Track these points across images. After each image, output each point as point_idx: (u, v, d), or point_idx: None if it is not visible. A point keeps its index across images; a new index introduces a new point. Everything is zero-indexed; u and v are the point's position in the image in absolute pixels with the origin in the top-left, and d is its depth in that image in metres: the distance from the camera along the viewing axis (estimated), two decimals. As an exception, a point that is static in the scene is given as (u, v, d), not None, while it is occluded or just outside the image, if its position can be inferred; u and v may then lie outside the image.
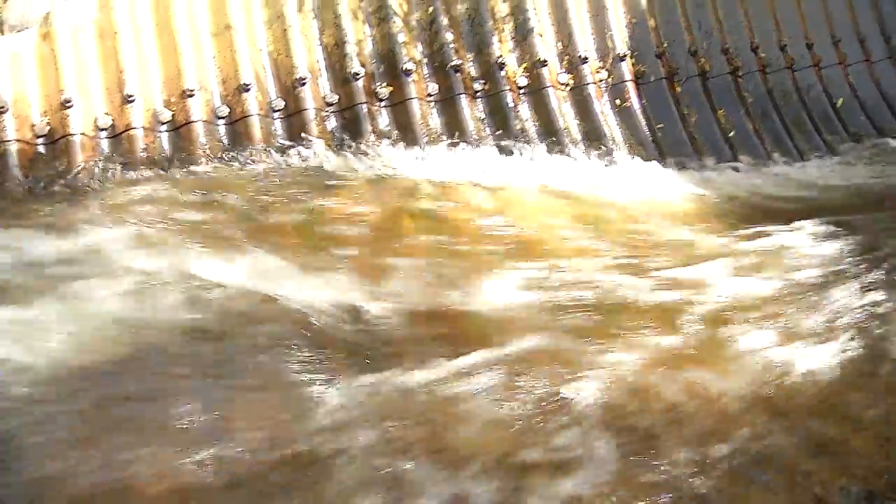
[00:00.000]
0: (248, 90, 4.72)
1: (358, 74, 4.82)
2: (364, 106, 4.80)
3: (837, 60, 6.57)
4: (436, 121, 4.90)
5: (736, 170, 5.43)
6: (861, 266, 4.33)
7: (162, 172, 4.55)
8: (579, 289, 3.86)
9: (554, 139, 5.00)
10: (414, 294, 3.71)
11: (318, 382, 3.16)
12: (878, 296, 4.04)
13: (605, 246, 4.29)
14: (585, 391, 3.18)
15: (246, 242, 4.01)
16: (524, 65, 5.10)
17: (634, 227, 4.57)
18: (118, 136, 4.55)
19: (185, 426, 2.89)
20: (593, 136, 5.13)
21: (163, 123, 4.62)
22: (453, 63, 4.96)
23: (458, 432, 2.93)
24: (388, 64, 4.93)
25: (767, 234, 4.60)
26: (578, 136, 5.09)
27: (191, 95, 4.65)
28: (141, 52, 4.67)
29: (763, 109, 5.95)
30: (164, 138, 4.63)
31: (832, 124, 6.24)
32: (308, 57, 4.87)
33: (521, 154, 4.86)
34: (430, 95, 4.91)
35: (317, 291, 3.64)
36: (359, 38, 4.90)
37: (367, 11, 4.95)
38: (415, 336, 3.45)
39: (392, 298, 3.65)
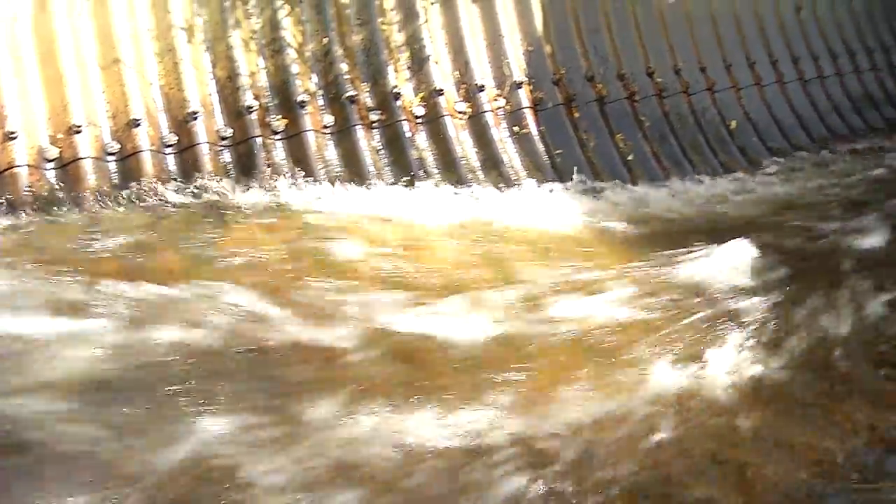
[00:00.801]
0: (138, 125, 4.67)
1: (252, 107, 4.83)
2: (259, 139, 4.80)
3: (730, 84, 6.89)
4: (332, 153, 4.94)
5: (635, 193, 5.61)
6: (751, 287, 4.55)
7: (49, 212, 4.46)
8: (483, 320, 3.94)
9: (452, 168, 5.08)
10: (308, 333, 3.72)
11: (206, 422, 3.15)
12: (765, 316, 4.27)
13: (506, 275, 4.38)
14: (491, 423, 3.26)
15: (137, 282, 3.95)
16: (421, 94, 5.19)
17: (534, 254, 4.68)
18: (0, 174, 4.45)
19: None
20: (492, 164, 5.24)
21: (49, 161, 4.53)
22: (349, 94, 5.02)
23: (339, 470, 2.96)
24: (283, 96, 4.95)
25: (666, 258, 4.78)
26: (477, 165, 5.20)
27: (78, 131, 4.57)
28: (23, 85, 4.57)
29: (660, 133, 6.19)
30: (51, 176, 4.54)
31: (727, 146, 6.53)
32: (200, 90, 4.86)
33: (419, 184, 4.92)
34: (325, 127, 4.95)
35: (208, 331, 3.62)
36: (252, 71, 4.91)
37: (260, 43, 4.97)
38: (308, 376, 3.47)
39: (286, 337, 3.66)
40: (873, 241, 5.30)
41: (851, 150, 6.96)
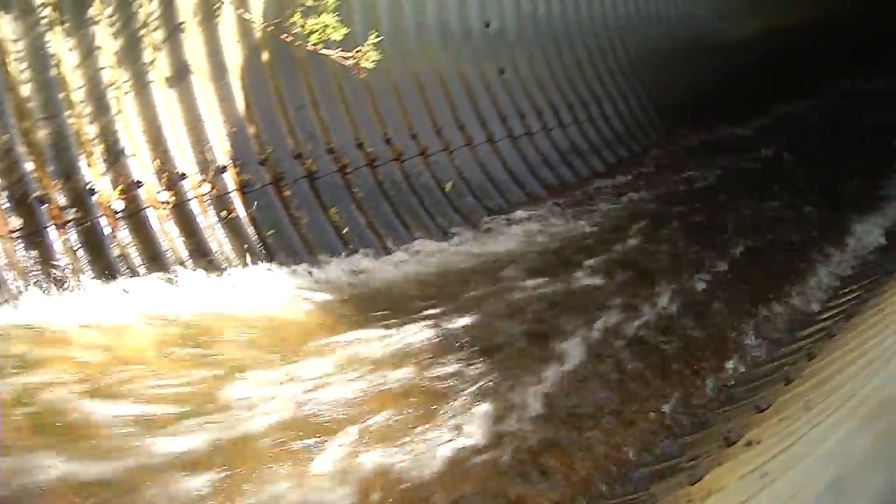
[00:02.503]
0: None
1: (-76, 216, 4.81)
2: (-66, 250, 4.78)
3: (442, 147, 7.66)
4: (23, 258, 4.99)
5: (351, 265, 6.11)
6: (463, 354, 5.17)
7: None
8: (189, 419, 4.21)
9: (158, 261, 5.32)
10: None
11: None
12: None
13: (215, 370, 4.68)
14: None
15: None
16: (119, 187, 5.39)
17: (248, 342, 5.02)
18: None
19: None
20: (201, 253, 5.54)
21: None
22: (38, 193, 5.12)
23: None
24: (-39, 201, 4.96)
25: (375, 329, 5.29)
26: (185, 255, 5.47)
27: None
28: None
29: (375, 202, 6.78)
30: None
31: (443, 207, 7.25)
32: None
33: (122, 282, 5.11)
34: (13, 231, 5.01)
35: None
36: (-79, 176, 4.89)
37: (-72, 145, 4.96)
38: None
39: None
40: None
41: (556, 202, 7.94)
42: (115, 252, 5.25)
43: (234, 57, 6.14)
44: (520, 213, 7.73)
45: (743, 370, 5.17)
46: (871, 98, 14.60)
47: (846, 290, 6.28)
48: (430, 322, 5.48)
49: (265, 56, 6.34)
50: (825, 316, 5.82)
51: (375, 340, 5.16)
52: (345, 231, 6.35)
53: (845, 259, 7.22)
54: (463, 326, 5.49)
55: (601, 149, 9.66)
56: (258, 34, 6.17)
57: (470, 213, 7.45)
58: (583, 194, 8.56)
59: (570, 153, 9.12)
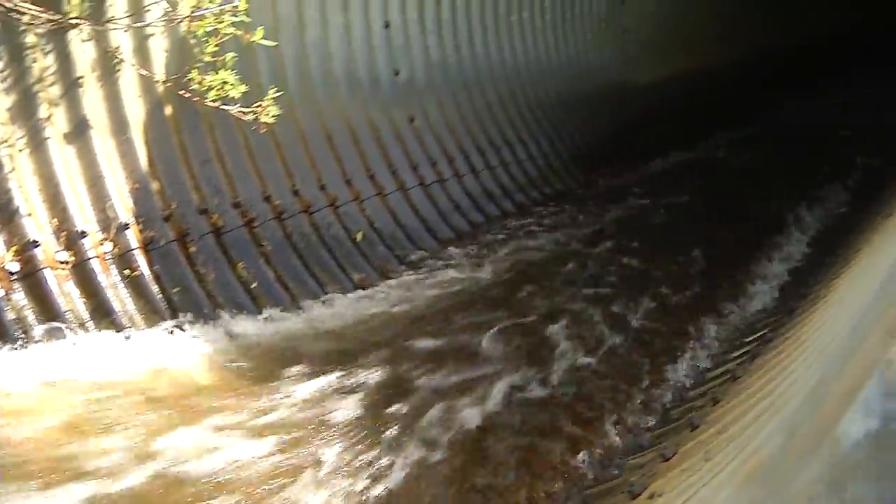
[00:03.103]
0: None
1: None
2: None
3: (352, 197, 7.74)
4: None
5: (260, 322, 6.11)
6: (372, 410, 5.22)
7: None
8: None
9: (56, 324, 5.24)
10: None
11: None
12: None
13: (117, 438, 4.63)
14: None
15: None
16: (14, 248, 5.31)
17: (150, 407, 4.97)
18: None
19: None
20: (102, 313, 5.48)
21: None
22: (-75, 258, 5.02)
23: None
24: None
25: (285, 389, 5.31)
26: (85, 316, 5.40)
27: None
28: None
29: (283, 256, 6.80)
30: None
31: (353, 258, 7.31)
32: None
33: (16, 347, 5.03)
34: None
35: None
36: None
37: None
38: None
39: None
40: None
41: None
42: (10, 315, 5.16)
43: (135, 111, 6.12)
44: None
45: (652, 422, 5.27)
46: (776, 140, 15.20)
47: (752, 330, 6.46)
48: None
49: (168, 110, 6.34)
50: (732, 356, 5.98)
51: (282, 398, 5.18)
52: (253, 286, 6.36)
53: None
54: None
55: (514, 192, 9.85)
56: (160, 89, 6.18)
57: (382, 262, 7.51)
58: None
59: (483, 198, 9.29)
